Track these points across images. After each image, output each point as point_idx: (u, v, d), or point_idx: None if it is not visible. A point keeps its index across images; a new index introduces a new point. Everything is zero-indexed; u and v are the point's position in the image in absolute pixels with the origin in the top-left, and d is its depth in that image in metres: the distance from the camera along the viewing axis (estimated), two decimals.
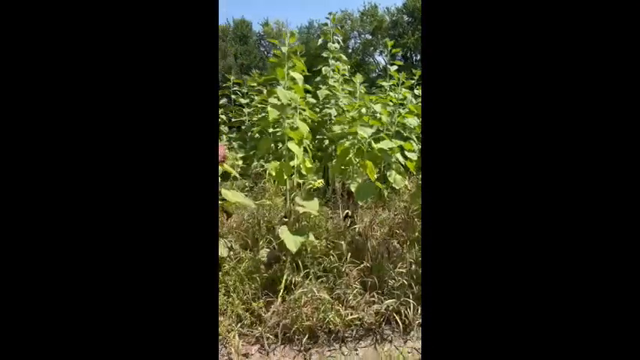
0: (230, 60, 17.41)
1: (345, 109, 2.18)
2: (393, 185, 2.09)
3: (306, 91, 3.86)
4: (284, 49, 1.72)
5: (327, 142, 2.80)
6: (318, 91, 3.14)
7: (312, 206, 1.53)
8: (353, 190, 1.81)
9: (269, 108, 1.59)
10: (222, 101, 4.18)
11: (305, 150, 1.87)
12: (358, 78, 2.80)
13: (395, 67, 2.53)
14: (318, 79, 3.29)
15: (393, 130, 2.39)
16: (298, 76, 1.73)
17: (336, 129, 2.14)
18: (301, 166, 1.81)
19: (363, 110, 2.01)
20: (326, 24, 3.66)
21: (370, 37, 17.80)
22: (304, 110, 1.80)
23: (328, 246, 1.81)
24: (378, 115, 2.06)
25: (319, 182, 2.17)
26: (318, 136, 2.85)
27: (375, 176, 1.84)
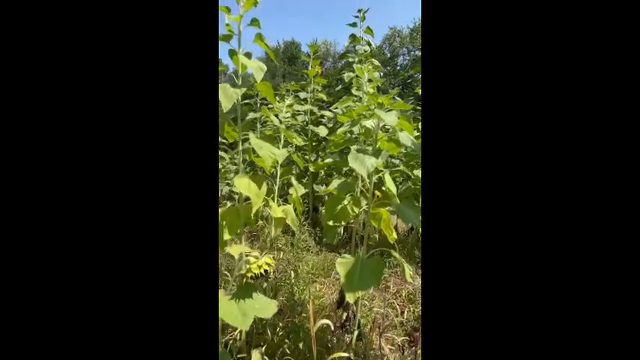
0: (278, 79, 17.95)
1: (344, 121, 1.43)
2: None
3: (328, 104, 3.26)
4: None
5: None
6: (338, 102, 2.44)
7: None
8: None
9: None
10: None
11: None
12: (395, 91, 2.02)
13: None
14: (339, 87, 2.63)
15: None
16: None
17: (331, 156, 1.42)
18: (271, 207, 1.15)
19: (372, 123, 1.23)
20: (354, 24, 3.01)
21: (420, 53, 17.03)
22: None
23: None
24: (391, 133, 1.19)
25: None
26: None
27: (395, 236, 1.11)
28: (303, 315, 1.39)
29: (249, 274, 0.81)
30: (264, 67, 1.05)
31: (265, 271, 0.83)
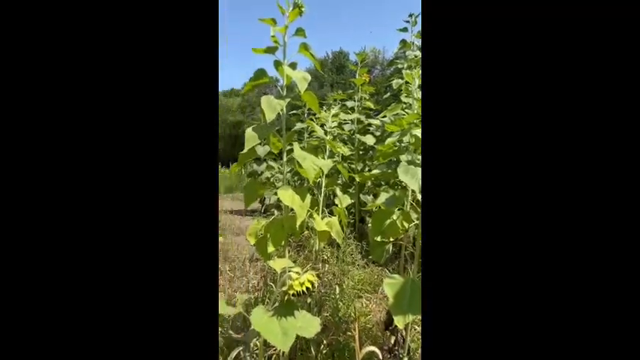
0: (326, 89, 18.21)
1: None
2: None
3: (376, 112, 3.17)
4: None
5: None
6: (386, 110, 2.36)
7: None
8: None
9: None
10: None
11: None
12: None
13: None
14: (387, 95, 2.54)
15: None
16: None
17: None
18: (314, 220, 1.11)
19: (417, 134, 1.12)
20: (405, 29, 2.91)
21: None
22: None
23: None
24: None
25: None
26: None
27: None
28: (349, 333, 1.32)
29: (291, 292, 0.77)
30: (308, 77, 1.03)
31: (307, 288, 0.79)
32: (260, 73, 1.10)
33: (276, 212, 3.73)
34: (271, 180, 4.00)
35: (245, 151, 1.03)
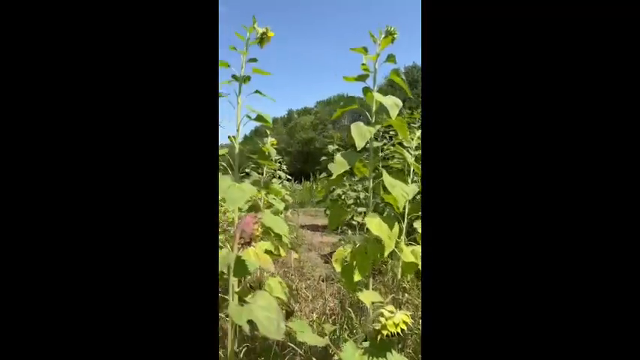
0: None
1: None
2: None
3: None
4: None
5: None
6: None
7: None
8: None
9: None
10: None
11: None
12: None
13: None
14: None
15: None
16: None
17: None
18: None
19: None
20: None
21: None
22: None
23: None
24: None
25: None
26: None
27: None
28: None
29: (385, 332, 0.73)
30: (400, 103, 1.01)
31: (402, 329, 0.74)
32: (350, 100, 1.12)
33: (349, 232, 3.71)
34: (347, 201, 4.00)
35: (334, 176, 1.04)
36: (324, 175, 5.72)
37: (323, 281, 2.30)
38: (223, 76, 1.10)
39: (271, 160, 1.31)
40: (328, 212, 1.17)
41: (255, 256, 1.02)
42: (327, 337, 0.94)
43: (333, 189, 5.57)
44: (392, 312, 0.76)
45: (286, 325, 0.98)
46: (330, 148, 5.70)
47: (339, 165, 1.04)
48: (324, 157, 5.90)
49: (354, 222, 3.58)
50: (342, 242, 3.30)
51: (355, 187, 4.34)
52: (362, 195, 3.99)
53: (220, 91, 1.09)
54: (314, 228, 5.58)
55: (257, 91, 1.35)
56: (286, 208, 1.89)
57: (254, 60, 1.12)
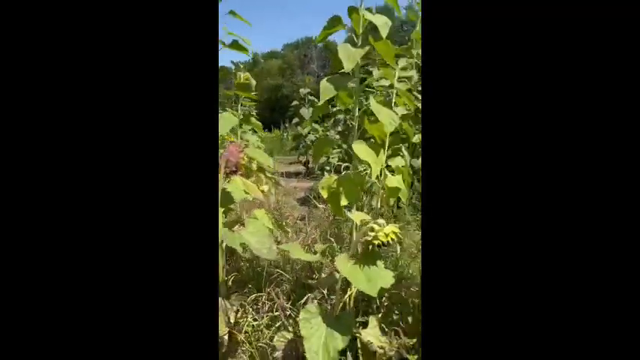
0: None
1: None
2: None
3: None
4: None
5: None
6: None
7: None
8: None
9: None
10: None
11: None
12: None
13: None
14: None
15: None
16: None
17: None
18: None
19: None
20: None
21: None
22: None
23: None
24: None
25: None
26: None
27: None
28: (411, 290, 1.35)
29: (376, 242, 0.78)
30: (390, 22, 0.96)
31: (392, 239, 0.80)
32: (335, 20, 1.05)
33: (327, 175, 3.76)
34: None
35: (320, 103, 1.02)
36: (295, 120, 5.61)
37: (301, 220, 2.38)
38: None
39: (252, 91, 1.24)
40: (311, 152, 1.16)
41: (244, 185, 1.01)
42: (319, 254, 1.00)
43: (307, 134, 5.48)
44: (381, 225, 0.81)
45: (277, 247, 1.02)
46: (302, 91, 5.51)
47: (325, 91, 1.01)
48: (295, 102, 5.73)
49: (327, 167, 3.62)
50: (317, 186, 3.35)
51: (328, 132, 4.33)
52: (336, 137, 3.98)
53: None
54: (287, 175, 5.59)
55: (231, 12, 1.23)
56: None
57: None
